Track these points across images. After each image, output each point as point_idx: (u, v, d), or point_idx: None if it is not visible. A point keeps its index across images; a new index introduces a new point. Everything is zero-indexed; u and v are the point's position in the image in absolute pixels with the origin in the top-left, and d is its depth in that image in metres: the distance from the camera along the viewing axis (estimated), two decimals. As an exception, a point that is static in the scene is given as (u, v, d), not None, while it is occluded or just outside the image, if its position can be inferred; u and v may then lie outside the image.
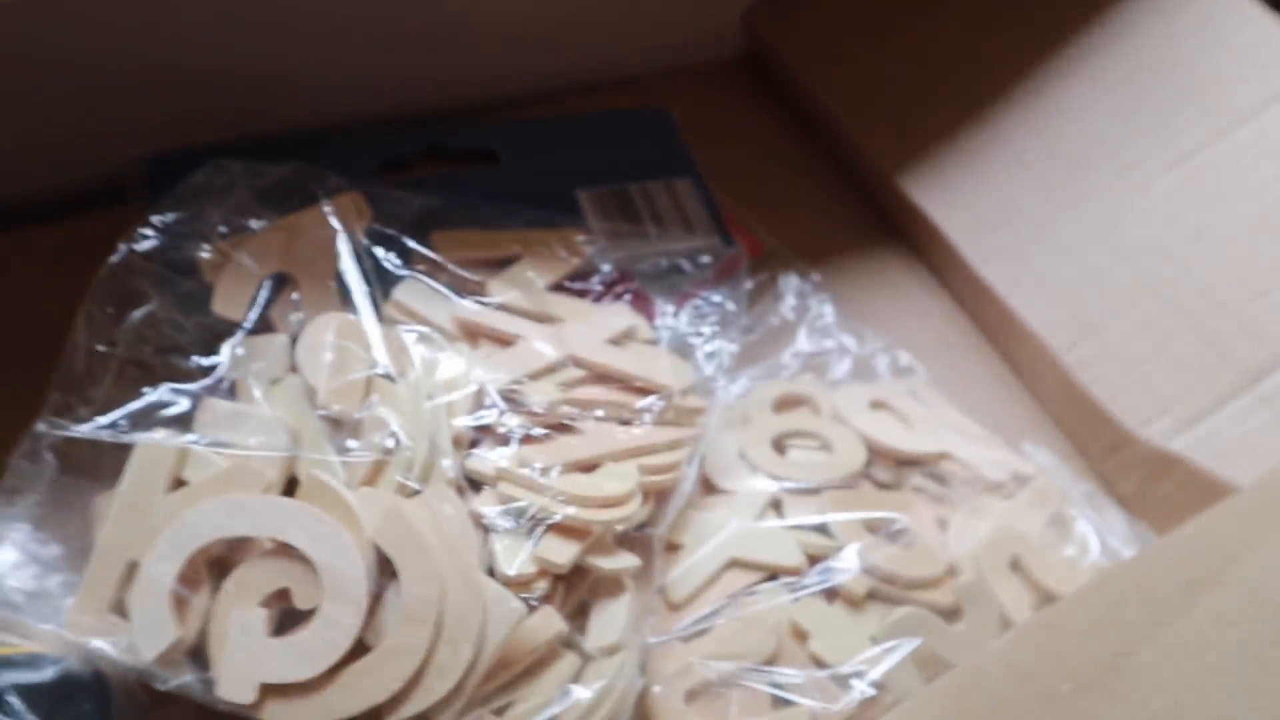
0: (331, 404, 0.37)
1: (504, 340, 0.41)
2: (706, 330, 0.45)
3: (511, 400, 0.38)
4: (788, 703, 0.36)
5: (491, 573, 0.34)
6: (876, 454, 0.44)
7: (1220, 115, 0.51)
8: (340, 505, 0.33)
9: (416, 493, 0.35)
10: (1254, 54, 0.51)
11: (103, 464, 0.36)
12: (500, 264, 0.44)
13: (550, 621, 0.34)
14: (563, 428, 0.39)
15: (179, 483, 0.35)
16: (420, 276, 0.42)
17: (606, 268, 0.45)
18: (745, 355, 0.47)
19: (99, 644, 0.32)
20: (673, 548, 0.40)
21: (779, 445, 0.44)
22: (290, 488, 0.35)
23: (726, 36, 0.64)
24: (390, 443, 0.36)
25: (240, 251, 0.41)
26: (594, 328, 0.42)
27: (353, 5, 0.49)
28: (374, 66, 0.52)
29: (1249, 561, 0.29)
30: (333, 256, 0.41)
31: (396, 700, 0.32)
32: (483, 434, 0.38)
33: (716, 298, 0.46)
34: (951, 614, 0.40)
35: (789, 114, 0.62)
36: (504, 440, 0.38)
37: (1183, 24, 0.53)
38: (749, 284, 0.47)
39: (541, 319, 0.42)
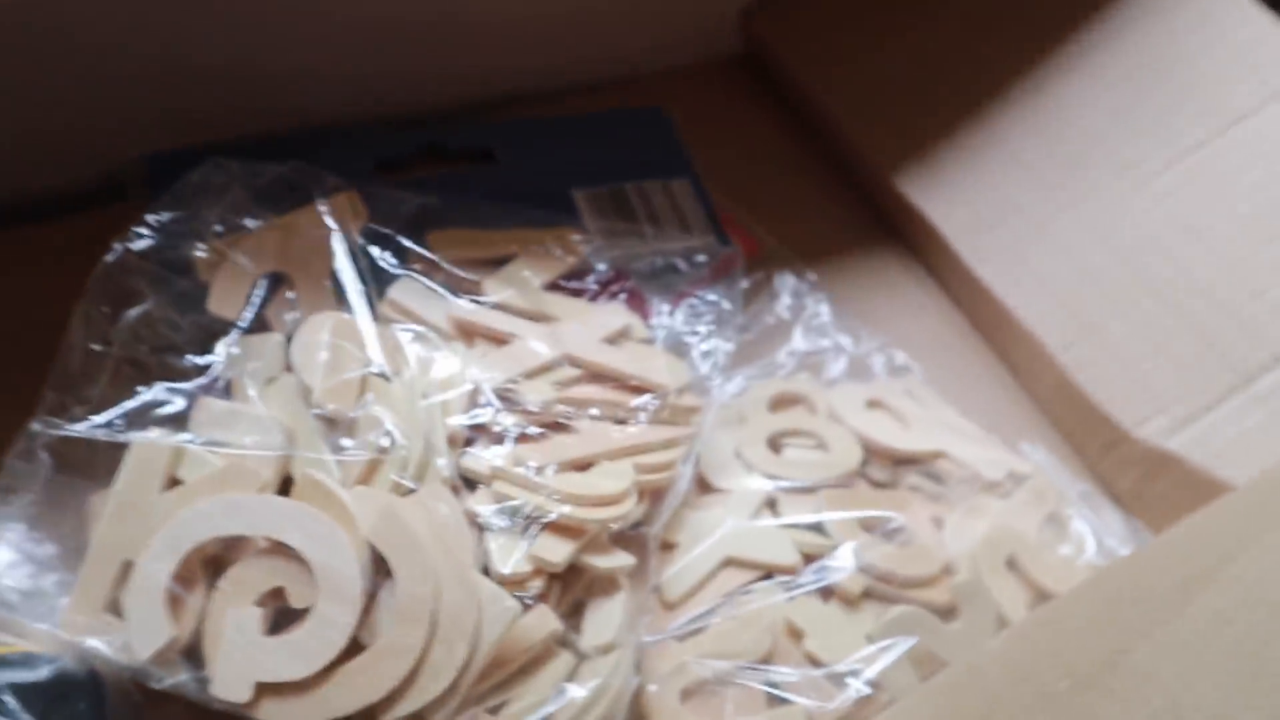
0: (327, 403, 0.37)
1: (499, 339, 0.41)
2: (702, 329, 0.45)
3: (506, 399, 0.38)
4: (783, 701, 0.36)
5: (486, 572, 0.34)
6: (872, 453, 0.44)
7: (1218, 114, 0.51)
8: (335, 504, 0.33)
9: (411, 492, 0.35)
10: (1252, 53, 0.51)
11: (98, 463, 0.36)
12: (496, 263, 0.44)
13: (545, 620, 0.34)
14: (558, 427, 0.39)
15: (174, 482, 0.35)
16: (416, 275, 0.42)
17: (602, 267, 0.45)
18: (741, 354, 0.47)
19: (94, 643, 0.32)
20: (668, 546, 0.40)
21: (774, 444, 0.44)
22: (285, 487, 0.35)
23: (724, 36, 0.64)
24: (385, 442, 0.36)
25: (236, 250, 0.41)
26: (589, 327, 0.42)
27: (352, 4, 0.49)
28: (372, 65, 0.52)
29: (1245, 559, 0.29)
30: (328, 256, 0.41)
31: (391, 699, 0.32)
32: (478, 433, 0.38)
33: (712, 297, 0.46)
34: (947, 613, 0.40)
35: (786, 113, 0.62)
36: (499, 439, 0.38)
37: (1181, 23, 0.53)
38: (745, 283, 0.47)
39: (537, 318, 0.42)
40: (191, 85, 0.48)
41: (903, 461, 0.44)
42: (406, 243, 0.42)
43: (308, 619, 0.32)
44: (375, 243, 0.42)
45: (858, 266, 0.56)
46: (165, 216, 0.40)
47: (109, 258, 0.39)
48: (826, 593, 0.39)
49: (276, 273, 0.41)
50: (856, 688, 0.36)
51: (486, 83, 0.57)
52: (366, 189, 0.43)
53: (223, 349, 0.38)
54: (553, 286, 0.44)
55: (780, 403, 0.46)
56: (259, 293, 0.40)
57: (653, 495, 0.39)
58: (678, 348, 0.44)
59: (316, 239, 0.41)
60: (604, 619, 0.36)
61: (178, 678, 0.32)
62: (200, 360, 0.38)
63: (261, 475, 0.34)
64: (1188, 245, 0.49)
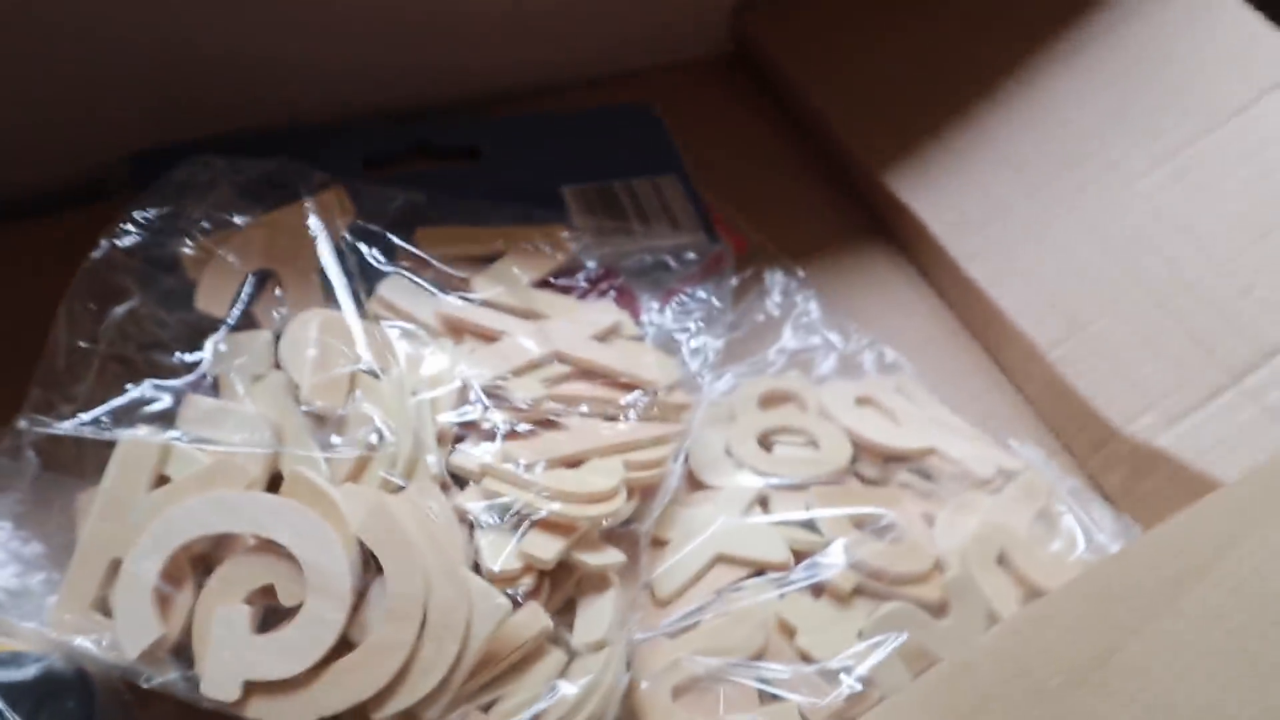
0: (315, 400, 0.36)
1: (488, 336, 0.41)
2: (692, 326, 0.45)
3: (496, 396, 0.38)
4: (775, 698, 0.36)
5: (477, 569, 0.34)
6: (863, 450, 0.44)
7: (1207, 113, 0.51)
8: (324, 501, 0.33)
9: (401, 489, 0.35)
10: (1239, 52, 0.51)
11: (85, 461, 0.36)
12: (485, 260, 0.44)
13: (536, 617, 0.34)
14: (547, 424, 0.39)
15: (162, 479, 0.35)
16: (404, 273, 0.42)
17: (591, 264, 0.45)
18: (730, 351, 0.47)
19: (82, 642, 0.32)
20: (659, 544, 0.40)
21: (765, 441, 0.44)
22: (274, 484, 0.35)
23: (714, 34, 0.64)
24: (374, 439, 0.36)
25: (223, 247, 0.40)
26: (579, 324, 0.42)
27: None
28: (360, 59, 0.52)
29: (1236, 555, 0.29)
30: (315, 253, 0.41)
31: (382, 697, 0.31)
32: (467, 430, 0.38)
33: (702, 294, 0.46)
34: (939, 609, 0.39)
35: (776, 111, 0.62)
36: (489, 436, 0.37)
37: (1169, 22, 0.53)
38: (734, 280, 0.47)
39: (526, 315, 0.42)
40: (177, 80, 0.48)
41: (893, 458, 0.44)
42: (395, 240, 0.42)
43: (297, 617, 0.32)
44: (363, 240, 0.42)
45: (847, 265, 0.56)
46: (151, 213, 0.40)
47: (95, 254, 0.39)
48: (818, 589, 0.39)
49: (264, 270, 0.41)
50: (848, 684, 0.36)
51: (475, 79, 0.57)
52: (354, 186, 0.43)
53: (210, 346, 0.38)
54: (542, 284, 0.44)
55: (770, 400, 0.46)
56: (246, 290, 0.40)
57: (643, 492, 0.39)
58: (667, 345, 0.44)
59: (304, 236, 0.41)
60: (595, 616, 0.36)
61: (166, 676, 0.32)
62: (188, 357, 0.38)
63: (250, 472, 0.34)
64: (1177, 243, 0.49)
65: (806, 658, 0.37)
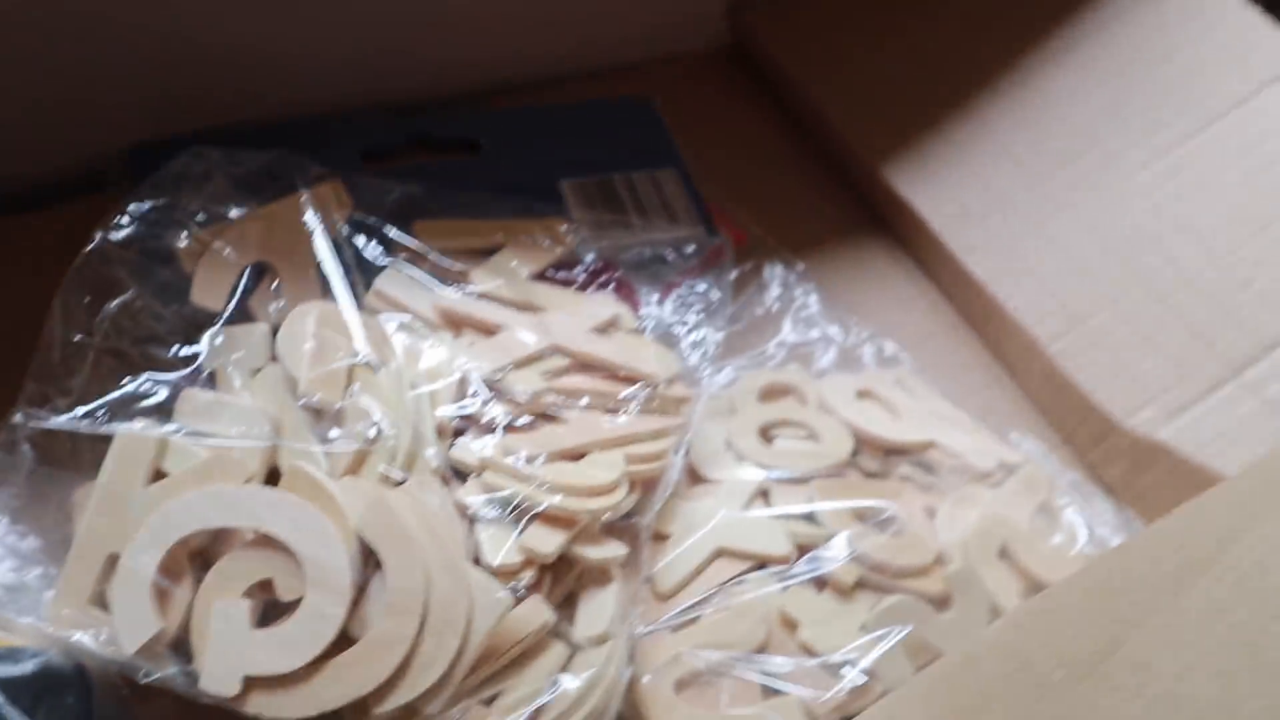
0: (313, 393, 0.36)
1: (487, 329, 0.41)
2: (691, 319, 0.45)
3: (495, 389, 0.38)
4: (778, 692, 0.36)
5: (477, 563, 0.34)
6: (863, 443, 0.44)
7: (1205, 107, 0.51)
8: (323, 495, 0.33)
9: (400, 482, 0.35)
10: (1237, 46, 0.51)
11: (81, 455, 0.35)
12: (483, 253, 0.44)
13: (537, 611, 0.34)
14: (547, 417, 0.39)
15: (159, 474, 0.34)
16: (402, 265, 0.41)
17: (590, 257, 0.45)
18: (730, 345, 0.47)
19: (80, 637, 0.32)
20: (660, 537, 0.40)
21: (765, 434, 0.44)
22: (272, 478, 0.35)
23: (712, 27, 0.63)
24: (373, 432, 0.36)
25: (219, 240, 0.40)
26: (578, 317, 0.42)
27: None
28: (358, 52, 0.52)
29: (1240, 547, 0.28)
30: (312, 245, 0.41)
31: (383, 691, 0.31)
32: (467, 423, 0.38)
33: (701, 287, 0.46)
34: (941, 602, 0.39)
35: (774, 105, 0.62)
36: (488, 429, 0.37)
37: (1167, 17, 0.53)
38: (734, 274, 0.47)
39: (525, 308, 0.42)
40: (175, 73, 0.48)
41: (893, 451, 0.44)
42: (392, 232, 0.42)
43: (297, 611, 0.32)
44: (360, 232, 0.42)
45: (846, 258, 0.56)
46: (146, 205, 0.40)
47: (89, 247, 0.39)
48: (820, 583, 0.39)
49: (261, 262, 0.40)
50: (851, 677, 0.36)
51: (473, 72, 0.57)
52: (351, 178, 0.43)
53: (207, 339, 0.38)
54: (540, 276, 0.44)
55: (770, 393, 0.46)
56: (243, 282, 0.40)
57: (644, 485, 0.39)
58: (667, 338, 0.44)
59: (301, 228, 0.41)
60: (596, 610, 0.36)
61: (165, 671, 0.32)
62: (184, 351, 0.38)
63: (248, 466, 0.34)
64: (1176, 237, 0.49)
65: (809, 651, 0.37)
